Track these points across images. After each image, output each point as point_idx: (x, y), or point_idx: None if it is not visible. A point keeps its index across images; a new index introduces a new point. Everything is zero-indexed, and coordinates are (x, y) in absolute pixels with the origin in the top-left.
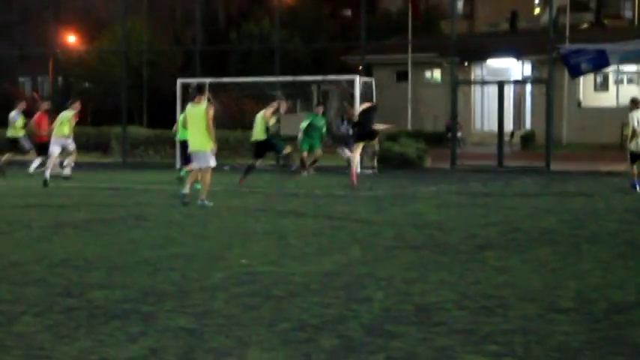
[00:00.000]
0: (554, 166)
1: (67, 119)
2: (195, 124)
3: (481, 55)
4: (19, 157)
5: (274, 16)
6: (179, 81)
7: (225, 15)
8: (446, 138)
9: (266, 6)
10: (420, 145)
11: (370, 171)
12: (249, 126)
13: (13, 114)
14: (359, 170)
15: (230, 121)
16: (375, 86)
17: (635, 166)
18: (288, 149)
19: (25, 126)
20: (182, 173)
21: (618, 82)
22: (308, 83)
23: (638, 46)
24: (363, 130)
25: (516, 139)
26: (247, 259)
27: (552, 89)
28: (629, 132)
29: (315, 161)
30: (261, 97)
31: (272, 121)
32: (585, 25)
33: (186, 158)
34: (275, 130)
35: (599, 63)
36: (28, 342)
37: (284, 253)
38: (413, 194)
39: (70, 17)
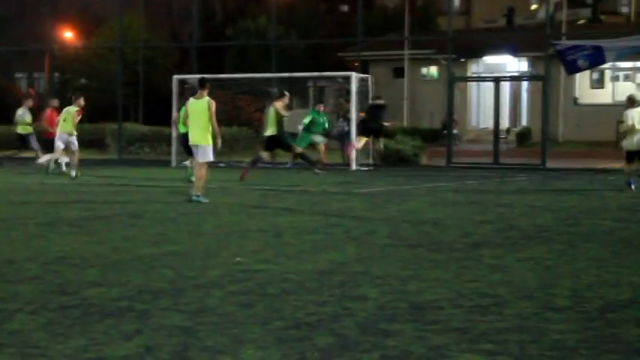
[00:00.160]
0: (550, 164)
1: (70, 115)
2: (196, 118)
3: (477, 52)
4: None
5: (271, 12)
6: (175, 77)
7: (222, 11)
8: (442, 135)
9: (263, 2)
10: (416, 143)
11: (366, 168)
12: (245, 122)
13: (21, 111)
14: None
15: (226, 118)
16: (372, 82)
17: (631, 165)
18: (298, 149)
19: (33, 123)
20: (188, 174)
21: (614, 78)
22: (304, 80)
23: (635, 42)
24: (369, 126)
25: (512, 136)
26: (242, 256)
27: (548, 86)
28: (624, 130)
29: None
30: (258, 93)
31: (286, 114)
32: (582, 22)
33: (188, 151)
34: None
35: (596, 59)
36: (23, 340)
37: (279, 251)
38: (408, 192)
39: (66, 13)
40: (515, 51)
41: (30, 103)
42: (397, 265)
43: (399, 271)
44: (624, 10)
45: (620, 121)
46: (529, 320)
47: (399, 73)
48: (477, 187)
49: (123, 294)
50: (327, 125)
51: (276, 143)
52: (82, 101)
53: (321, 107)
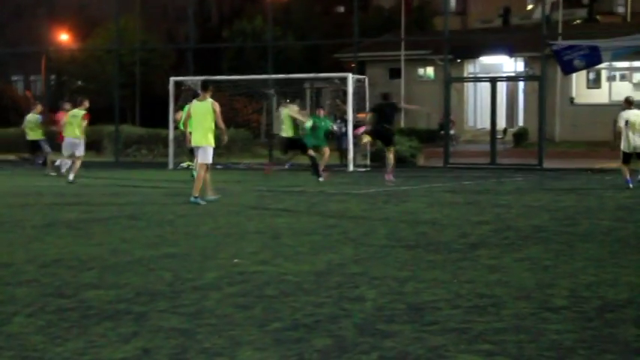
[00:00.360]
0: (547, 164)
1: (77, 119)
2: (199, 120)
3: (474, 52)
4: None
5: (267, 13)
6: (172, 79)
7: (218, 13)
8: (439, 136)
9: (259, 3)
10: (413, 143)
11: (363, 169)
12: (242, 124)
13: (35, 117)
14: (351, 168)
15: (223, 119)
16: (368, 83)
17: (627, 165)
18: (312, 152)
19: (45, 127)
20: (193, 175)
21: (611, 78)
22: (301, 81)
23: (631, 42)
24: (377, 128)
25: (509, 136)
26: (240, 258)
27: (545, 86)
28: (618, 129)
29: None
30: (254, 95)
31: (304, 117)
32: (578, 22)
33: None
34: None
35: (592, 59)
36: (21, 343)
37: (277, 253)
38: (406, 192)
39: (62, 15)
40: (512, 51)
41: (39, 108)
42: (395, 266)
43: (396, 272)
44: (620, 10)
45: (616, 121)
46: (527, 320)
47: (395, 73)
48: (474, 187)
49: (121, 296)
50: (330, 127)
51: (294, 144)
52: (87, 104)
53: (321, 112)
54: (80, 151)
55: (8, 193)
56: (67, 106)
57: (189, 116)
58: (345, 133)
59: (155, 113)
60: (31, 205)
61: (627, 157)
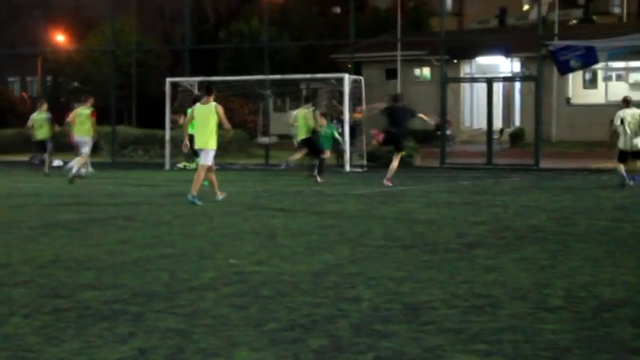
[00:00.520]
0: (544, 164)
1: (85, 117)
2: (202, 122)
3: (470, 53)
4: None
5: (263, 14)
6: (168, 80)
7: (215, 14)
8: (435, 136)
9: (255, 4)
10: (409, 144)
11: (360, 169)
12: (239, 125)
13: (44, 116)
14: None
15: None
16: (365, 84)
17: (624, 164)
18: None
19: (57, 126)
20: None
21: (607, 78)
22: (297, 81)
23: (627, 42)
24: (385, 133)
25: (505, 136)
26: (236, 258)
27: (541, 86)
28: (614, 128)
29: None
30: (251, 95)
31: (320, 121)
32: (574, 22)
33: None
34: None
35: (588, 60)
36: (17, 343)
37: (273, 253)
38: (402, 193)
39: (59, 16)
40: (508, 52)
41: (45, 106)
42: (391, 266)
43: (393, 272)
44: (616, 10)
45: (612, 121)
46: (523, 320)
47: (391, 74)
48: (470, 187)
49: (117, 297)
50: (334, 132)
51: (309, 145)
52: (91, 101)
53: (323, 121)
54: (86, 149)
55: (5, 194)
56: (78, 105)
57: (191, 119)
58: (342, 134)
59: (151, 114)
60: (28, 205)
61: (624, 156)
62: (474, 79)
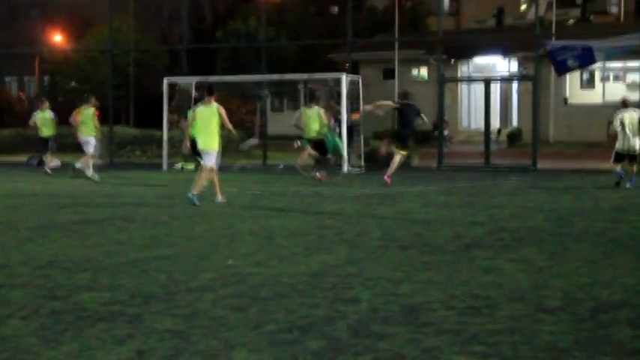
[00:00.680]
0: (541, 164)
1: (89, 117)
2: (205, 123)
3: (468, 52)
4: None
5: (261, 14)
6: (166, 80)
7: (212, 13)
8: (433, 136)
9: (253, 4)
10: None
11: (358, 169)
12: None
13: (47, 113)
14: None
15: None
16: (362, 84)
17: (619, 165)
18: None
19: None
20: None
21: (604, 78)
22: (295, 81)
23: (624, 42)
24: (398, 131)
25: (503, 137)
26: (234, 260)
27: (539, 86)
28: (613, 130)
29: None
30: (249, 95)
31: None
32: (571, 22)
33: (197, 153)
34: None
35: (586, 60)
36: (15, 345)
37: (271, 254)
38: (400, 193)
39: (56, 16)
40: (505, 51)
41: (47, 105)
42: (389, 267)
43: (391, 273)
44: (614, 10)
45: (611, 122)
46: (521, 322)
47: (389, 74)
48: (468, 188)
49: (115, 298)
50: (336, 141)
51: (317, 144)
52: (94, 100)
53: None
54: (91, 149)
55: (3, 195)
56: (86, 106)
57: (193, 120)
58: (340, 134)
59: (149, 114)
60: (26, 206)
61: (620, 157)
62: (471, 79)
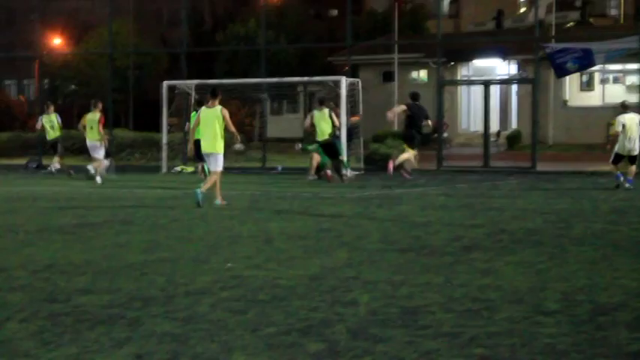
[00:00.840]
0: (541, 167)
1: (95, 122)
2: (208, 126)
3: (467, 55)
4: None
5: (260, 17)
6: (165, 83)
7: (212, 16)
8: (432, 139)
9: (252, 7)
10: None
11: (356, 173)
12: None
13: (50, 117)
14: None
15: None
16: (361, 87)
17: (618, 166)
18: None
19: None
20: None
21: (604, 81)
22: (294, 84)
23: (624, 44)
24: (405, 132)
25: (502, 139)
26: (233, 262)
27: (538, 89)
28: (613, 133)
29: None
30: (248, 98)
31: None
32: (571, 24)
33: (200, 156)
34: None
35: (585, 62)
36: (14, 348)
37: (270, 257)
38: (399, 196)
39: (55, 20)
40: (505, 54)
41: (52, 108)
42: (388, 270)
43: (390, 276)
44: (613, 12)
45: (611, 124)
46: (520, 324)
47: (388, 77)
48: (467, 190)
49: (114, 301)
50: (338, 148)
51: (328, 148)
52: (100, 106)
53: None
54: (99, 154)
55: (1, 198)
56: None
57: (197, 123)
58: (339, 137)
59: (148, 117)
60: (25, 209)
61: (619, 159)
62: (470, 82)
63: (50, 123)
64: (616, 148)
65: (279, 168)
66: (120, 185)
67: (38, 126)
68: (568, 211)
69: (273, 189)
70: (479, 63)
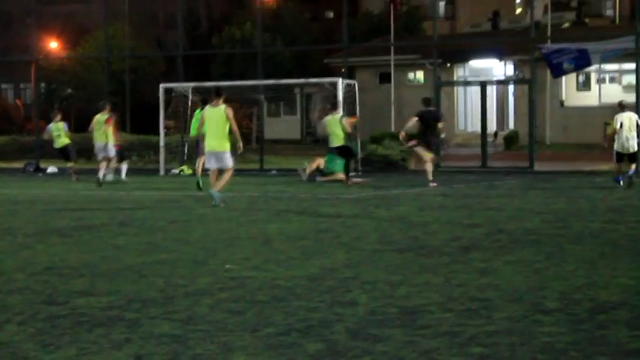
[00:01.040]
0: (538, 167)
1: (101, 124)
2: (213, 125)
3: (463, 56)
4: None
5: (256, 19)
6: (162, 86)
7: (208, 19)
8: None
9: (248, 9)
10: (403, 147)
11: (354, 174)
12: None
13: (57, 125)
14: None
15: None
16: (358, 88)
17: (620, 165)
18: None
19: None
20: (199, 180)
21: (600, 81)
22: (291, 86)
23: (620, 44)
24: (420, 139)
25: (500, 139)
26: (232, 264)
27: (535, 89)
28: (610, 132)
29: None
30: (245, 101)
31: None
32: (567, 25)
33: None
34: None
35: (581, 62)
36: (12, 351)
37: (268, 258)
38: (397, 196)
39: (51, 24)
40: (501, 55)
41: (59, 117)
42: (387, 270)
43: (388, 276)
44: (609, 12)
45: (608, 123)
46: (519, 323)
47: (385, 78)
48: (465, 190)
49: (112, 303)
50: (354, 149)
51: (344, 151)
52: (109, 107)
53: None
54: (111, 153)
55: (0, 201)
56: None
57: (202, 122)
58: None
59: (145, 120)
60: (23, 212)
61: (620, 157)
62: (467, 83)
63: (57, 131)
64: (615, 147)
65: (274, 171)
66: (118, 188)
67: (46, 136)
68: (566, 210)
69: (271, 190)
70: (475, 64)
